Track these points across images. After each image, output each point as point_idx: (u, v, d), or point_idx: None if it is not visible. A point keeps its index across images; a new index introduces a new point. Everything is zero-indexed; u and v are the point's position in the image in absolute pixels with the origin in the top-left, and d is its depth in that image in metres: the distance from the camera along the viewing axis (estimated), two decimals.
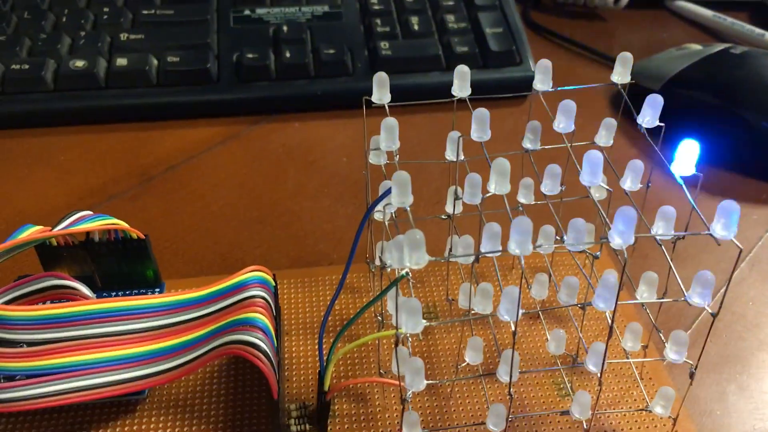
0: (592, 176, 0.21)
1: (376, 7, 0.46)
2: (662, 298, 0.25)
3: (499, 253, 0.23)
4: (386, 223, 0.28)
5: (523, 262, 0.19)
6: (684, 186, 0.22)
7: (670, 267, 0.22)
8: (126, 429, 0.26)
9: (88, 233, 0.29)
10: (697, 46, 0.43)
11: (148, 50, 0.43)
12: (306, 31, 0.45)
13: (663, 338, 0.24)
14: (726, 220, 0.19)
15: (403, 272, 0.20)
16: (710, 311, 0.21)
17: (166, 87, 0.42)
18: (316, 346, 0.29)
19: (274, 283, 0.27)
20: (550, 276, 0.28)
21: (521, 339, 0.29)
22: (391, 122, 0.24)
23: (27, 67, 0.41)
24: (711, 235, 0.20)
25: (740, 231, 0.34)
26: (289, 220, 0.36)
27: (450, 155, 0.27)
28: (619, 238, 0.19)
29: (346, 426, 0.26)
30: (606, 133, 0.26)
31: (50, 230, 0.27)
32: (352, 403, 0.27)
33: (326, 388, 0.25)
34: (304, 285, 0.32)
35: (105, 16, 0.45)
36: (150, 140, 0.41)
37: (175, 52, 0.43)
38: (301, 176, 0.39)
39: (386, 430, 0.26)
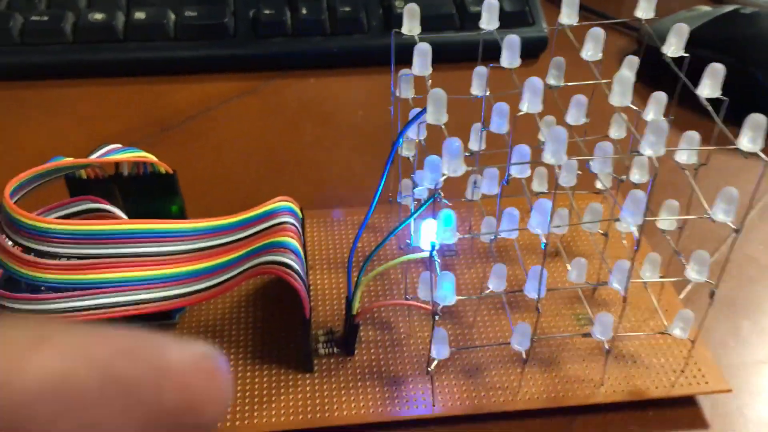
0: (623, 97, 0.22)
1: None
2: (682, 221, 0.26)
3: (528, 174, 0.24)
4: (412, 157, 0.29)
5: (557, 171, 0.20)
6: (710, 108, 0.22)
7: (693, 189, 0.23)
8: None
9: (117, 167, 0.29)
10: (707, 8, 0.44)
11: (166, 4, 0.43)
12: None
13: (684, 261, 0.25)
14: (753, 133, 0.20)
15: (439, 184, 0.21)
16: (733, 227, 0.22)
17: (184, 41, 0.43)
18: (340, 280, 0.30)
19: (300, 214, 0.28)
20: (571, 209, 0.29)
21: None
22: (424, 47, 0.25)
23: (46, 18, 0.42)
24: (738, 149, 0.21)
25: (750, 183, 0.35)
26: (308, 168, 0.37)
27: (476, 90, 0.27)
28: (650, 149, 0.20)
29: (372, 351, 0.27)
30: (629, 68, 0.26)
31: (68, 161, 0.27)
32: (377, 330, 0.28)
33: (355, 311, 0.26)
34: (326, 224, 0.32)
35: None
36: (167, 92, 0.42)
37: (193, 7, 0.43)
38: (318, 128, 0.40)
39: (411, 355, 0.27)
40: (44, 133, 0.38)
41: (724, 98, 0.22)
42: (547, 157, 0.20)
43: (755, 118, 0.20)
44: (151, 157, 0.29)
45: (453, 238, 0.22)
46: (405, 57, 0.27)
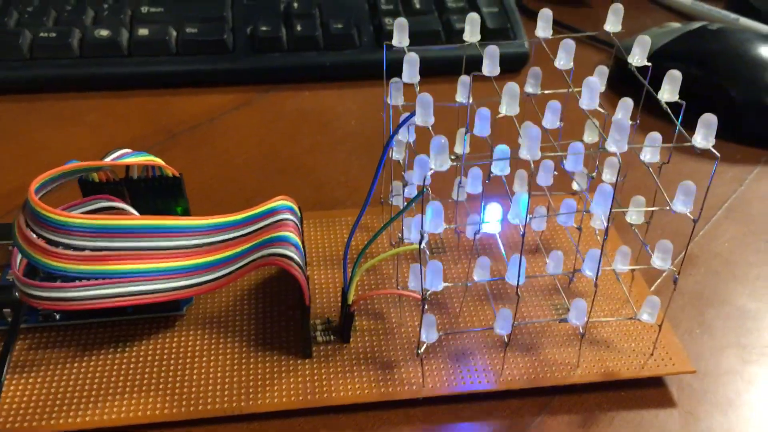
0: (591, 100, 0.24)
1: None
2: (649, 215, 0.28)
3: (508, 172, 0.26)
4: (402, 160, 0.31)
5: (532, 167, 0.22)
6: (669, 110, 0.25)
7: (657, 185, 0.25)
8: (166, 341, 0.29)
9: (127, 170, 0.32)
10: (677, 24, 0.46)
11: (168, 22, 0.46)
12: (315, 7, 0.48)
13: (650, 252, 0.27)
14: (706, 131, 0.23)
15: (427, 179, 0.23)
16: (692, 217, 0.24)
17: (185, 56, 0.45)
18: (336, 275, 0.32)
19: (299, 213, 0.30)
20: (549, 206, 0.31)
21: None
22: (413, 56, 0.27)
23: (54, 35, 0.44)
24: (693, 145, 0.23)
25: (717, 186, 0.38)
26: (306, 171, 0.39)
27: (461, 98, 0.30)
28: (615, 145, 0.22)
29: (366, 338, 0.29)
30: (599, 79, 0.29)
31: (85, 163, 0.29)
32: (371, 320, 0.30)
33: (350, 301, 0.28)
34: (323, 224, 0.35)
35: None
36: (170, 104, 0.44)
37: (193, 24, 0.46)
38: (315, 135, 0.42)
39: (402, 341, 0.29)
40: (56, 141, 0.40)
41: (682, 102, 0.25)
42: (523, 153, 0.23)
43: (707, 118, 0.23)
44: (159, 161, 0.32)
45: (440, 227, 0.24)
46: (395, 70, 0.29)
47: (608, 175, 0.30)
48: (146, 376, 0.28)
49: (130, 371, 0.28)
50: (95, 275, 0.26)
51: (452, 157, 0.32)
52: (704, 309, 0.32)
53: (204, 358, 0.29)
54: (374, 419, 0.27)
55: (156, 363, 0.28)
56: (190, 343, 0.29)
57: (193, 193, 0.37)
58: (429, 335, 0.26)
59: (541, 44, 0.29)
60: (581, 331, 0.27)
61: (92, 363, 0.28)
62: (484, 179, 0.29)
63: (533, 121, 0.30)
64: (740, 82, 0.41)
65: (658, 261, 0.26)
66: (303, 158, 0.40)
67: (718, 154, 0.23)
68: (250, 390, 0.27)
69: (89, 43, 0.44)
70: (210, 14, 0.47)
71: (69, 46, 0.44)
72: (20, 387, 0.27)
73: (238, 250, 0.28)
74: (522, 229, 0.24)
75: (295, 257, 0.27)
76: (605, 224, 0.24)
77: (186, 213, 0.33)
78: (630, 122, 0.26)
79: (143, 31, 0.45)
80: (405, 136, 0.29)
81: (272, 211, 0.29)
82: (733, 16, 0.52)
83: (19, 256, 0.27)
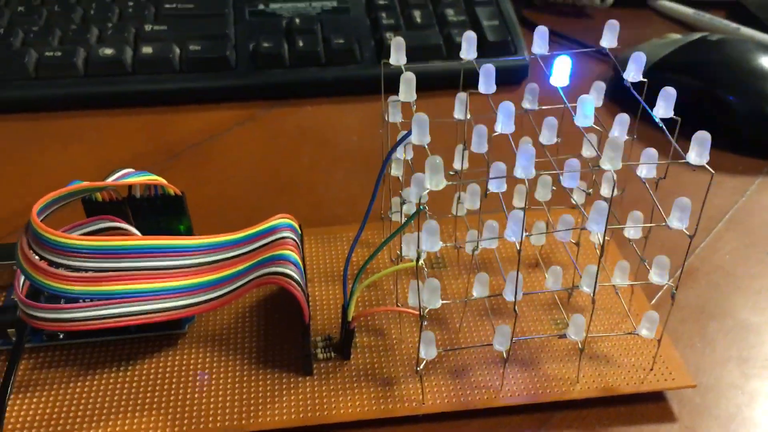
0: (585, 117, 0.24)
1: (381, 2, 0.50)
2: (647, 230, 0.28)
3: (504, 189, 0.26)
4: (401, 176, 0.31)
5: (527, 184, 0.23)
6: (663, 126, 0.25)
7: (654, 201, 0.25)
8: (168, 359, 0.29)
9: (130, 189, 0.32)
10: (676, 36, 0.46)
11: (171, 40, 0.46)
12: (317, 23, 0.48)
13: (648, 267, 0.27)
14: (700, 148, 0.23)
15: (423, 198, 0.23)
16: (688, 234, 0.24)
17: (188, 73, 0.45)
18: (336, 292, 0.32)
19: (299, 230, 0.31)
20: (547, 222, 0.31)
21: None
22: (409, 76, 0.28)
23: (59, 54, 0.45)
24: (687, 162, 0.23)
25: (718, 197, 0.38)
26: (307, 189, 0.39)
27: (458, 114, 0.30)
28: (609, 163, 0.23)
29: (366, 355, 0.29)
30: (597, 94, 0.29)
31: (87, 184, 0.30)
32: (371, 336, 0.30)
33: (350, 318, 0.28)
34: (324, 240, 0.35)
35: (130, 9, 0.48)
36: (174, 122, 0.44)
37: (197, 42, 0.46)
38: (315, 153, 0.42)
39: (402, 358, 0.29)
40: (60, 161, 0.41)
41: (677, 118, 0.25)
42: (518, 172, 0.23)
43: (700, 135, 0.23)
44: (162, 180, 0.32)
45: (436, 246, 0.24)
46: (395, 86, 0.29)
47: (606, 190, 0.30)
48: (149, 394, 0.28)
49: (133, 390, 0.28)
50: (97, 296, 0.26)
51: (452, 173, 0.32)
52: (705, 322, 0.32)
53: (210, 375, 0.29)
54: None
55: (158, 381, 0.29)
56: (191, 361, 0.29)
57: (195, 211, 0.38)
58: (428, 352, 0.27)
59: (538, 60, 0.29)
60: (580, 346, 0.27)
61: (96, 382, 0.29)
62: (481, 195, 0.30)
63: (531, 136, 0.30)
64: (741, 92, 0.41)
65: (655, 277, 0.26)
66: (303, 175, 0.41)
67: (713, 171, 0.23)
68: (251, 408, 0.28)
69: (94, 62, 0.45)
70: (213, 32, 0.47)
71: (74, 65, 0.44)
72: (24, 407, 0.28)
73: (239, 268, 0.28)
74: (518, 246, 0.24)
75: (295, 275, 0.27)
76: (600, 241, 0.24)
77: (189, 231, 0.33)
78: (627, 137, 0.27)
79: (147, 49, 0.45)
80: (402, 153, 0.29)
81: (272, 230, 0.29)
82: (734, 25, 0.52)
83: (22, 278, 0.27)
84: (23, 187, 0.39)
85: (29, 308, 0.26)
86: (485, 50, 0.47)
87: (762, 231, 0.37)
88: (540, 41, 0.29)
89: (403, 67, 0.29)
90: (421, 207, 0.24)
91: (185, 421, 0.27)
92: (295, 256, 0.28)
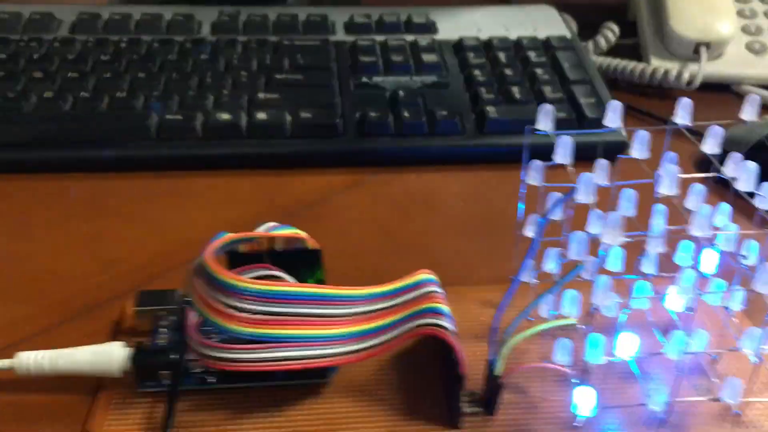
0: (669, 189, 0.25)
1: (480, 79, 0.52)
2: None
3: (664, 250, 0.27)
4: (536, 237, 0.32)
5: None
6: (748, 198, 0.26)
7: None
8: (313, 409, 0.30)
9: (272, 243, 0.33)
10: None
11: (283, 107, 0.48)
12: (419, 96, 0.50)
13: None
14: None
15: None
16: None
17: (300, 138, 0.47)
18: (476, 350, 0.33)
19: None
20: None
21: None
22: (566, 139, 0.29)
23: (180, 117, 0.47)
24: None
25: None
26: (421, 250, 0.40)
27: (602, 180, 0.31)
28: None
29: (510, 411, 0.30)
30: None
31: (239, 234, 0.31)
32: (513, 393, 0.30)
33: (499, 372, 0.29)
34: (451, 301, 0.35)
35: (243, 79, 0.51)
36: (286, 184, 0.46)
37: (307, 109, 0.48)
38: (425, 217, 0.43)
39: (547, 416, 0.29)
40: (181, 218, 0.42)
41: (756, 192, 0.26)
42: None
43: None
44: (303, 234, 0.33)
45: (608, 300, 0.25)
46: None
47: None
48: None
49: None
50: (264, 338, 0.27)
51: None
52: None
53: (353, 426, 0.29)
54: None
55: (307, 429, 0.29)
56: (335, 412, 0.30)
57: None
58: (584, 409, 0.27)
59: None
60: (736, 410, 0.27)
61: (246, 428, 0.29)
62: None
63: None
64: None
65: None
66: (417, 238, 0.42)
67: None
68: None
69: (212, 126, 0.47)
70: (321, 101, 0.49)
71: (193, 128, 0.46)
72: None
73: (392, 319, 0.29)
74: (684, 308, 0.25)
75: (451, 327, 0.28)
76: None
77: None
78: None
79: (261, 115, 0.47)
80: (549, 216, 0.30)
81: (420, 284, 0.30)
82: None
83: (194, 319, 0.28)
84: (147, 241, 0.40)
85: (206, 348, 0.27)
86: (584, 126, 0.49)
87: None
88: (612, 115, 0.30)
89: (551, 133, 0.31)
90: (581, 265, 0.25)
91: None
92: (447, 309, 0.29)
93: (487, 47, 0.56)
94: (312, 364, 0.28)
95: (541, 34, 0.58)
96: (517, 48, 0.56)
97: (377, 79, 0.53)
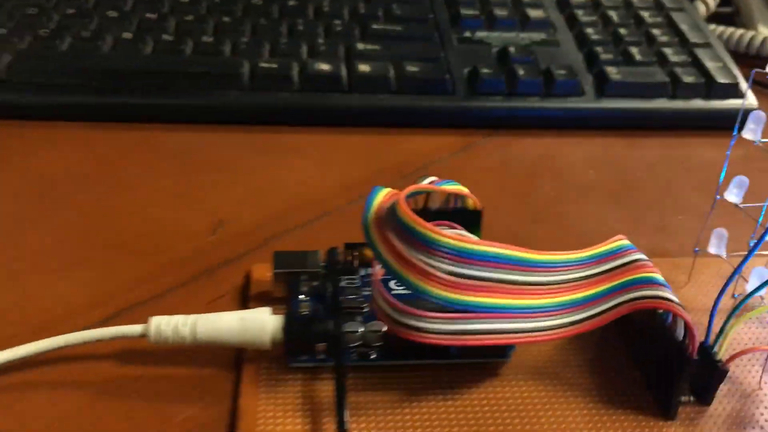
0: None
1: (595, 37, 0.48)
2: None
3: None
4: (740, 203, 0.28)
5: None
6: None
7: None
8: (495, 390, 0.26)
9: (426, 200, 0.29)
10: None
11: (385, 59, 0.44)
12: (533, 52, 0.46)
13: None
14: None
15: None
16: None
17: (406, 94, 0.43)
18: None
19: None
20: None
21: None
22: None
23: (275, 66, 0.42)
24: None
25: None
26: (561, 219, 0.36)
27: None
28: None
29: (727, 401, 0.25)
30: None
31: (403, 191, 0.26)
32: (727, 382, 0.26)
33: (721, 357, 0.25)
34: None
35: (338, 28, 0.46)
36: (393, 143, 0.41)
37: (412, 63, 0.44)
38: (555, 184, 0.39)
39: None
40: (287, 176, 0.38)
41: None
42: None
43: None
44: (466, 191, 0.29)
45: None
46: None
47: None
48: (487, 426, 0.24)
49: (462, 421, 0.24)
50: (465, 306, 0.23)
51: None
52: None
53: (547, 411, 0.25)
54: None
55: (492, 412, 0.25)
56: (524, 395, 0.25)
57: None
58: None
59: None
60: None
61: (421, 409, 0.25)
62: None
63: None
64: None
65: None
66: (551, 205, 0.37)
67: None
68: None
69: (310, 76, 0.42)
70: (426, 54, 0.45)
71: (290, 78, 0.42)
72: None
73: (601, 289, 0.25)
74: None
75: (676, 300, 0.24)
76: None
77: None
78: None
79: (364, 68, 0.43)
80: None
81: (621, 251, 0.26)
82: None
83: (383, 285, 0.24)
84: (257, 200, 0.36)
85: (399, 314, 0.22)
86: (713, 92, 0.45)
87: None
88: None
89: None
90: None
91: None
92: (663, 279, 0.25)
93: (595, 5, 0.51)
94: (514, 340, 0.24)
95: None
96: (628, 6, 0.51)
97: (480, 34, 0.48)
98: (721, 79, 0.45)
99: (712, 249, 0.29)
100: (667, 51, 0.47)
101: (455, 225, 0.26)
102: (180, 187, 0.36)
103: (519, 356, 0.27)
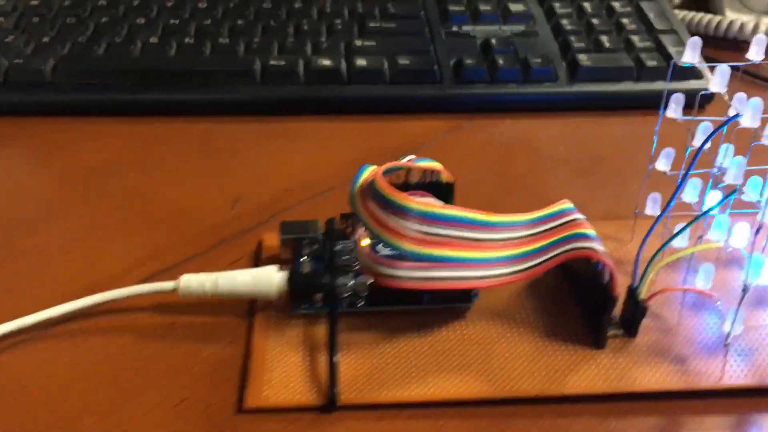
0: None
1: (569, 28, 0.53)
2: None
3: None
4: (668, 172, 0.34)
5: None
6: None
7: None
8: (463, 329, 0.31)
9: (407, 175, 0.34)
10: None
11: (380, 54, 0.49)
12: (511, 44, 0.51)
13: None
14: None
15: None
16: None
17: (399, 85, 0.48)
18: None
19: None
20: None
21: None
22: (724, 68, 0.30)
23: (283, 63, 0.48)
24: None
25: None
26: (532, 190, 0.42)
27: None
28: None
29: (650, 334, 0.31)
30: None
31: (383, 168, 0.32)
32: (650, 318, 0.31)
33: (642, 296, 0.30)
34: None
35: (339, 26, 0.52)
36: (389, 128, 0.47)
37: (404, 56, 0.49)
38: (529, 159, 0.45)
39: (687, 338, 0.31)
40: (296, 159, 0.44)
41: None
42: None
43: None
44: (439, 166, 0.34)
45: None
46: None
47: None
48: (454, 358, 0.30)
49: (436, 353, 0.30)
50: (426, 258, 0.29)
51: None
52: None
53: (502, 345, 0.31)
54: (676, 408, 0.29)
55: (458, 347, 0.31)
56: (484, 332, 0.31)
57: None
58: (737, 327, 0.28)
59: None
60: None
61: (400, 346, 0.31)
62: None
63: None
64: None
65: None
66: (524, 178, 0.43)
67: None
68: (554, 374, 0.29)
69: (313, 71, 0.48)
70: (416, 47, 0.50)
71: (296, 74, 0.48)
72: (343, 365, 0.30)
73: (542, 243, 0.30)
74: None
75: (603, 249, 0.29)
76: None
77: None
78: None
79: (361, 62, 0.48)
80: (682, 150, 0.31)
81: (563, 212, 0.32)
82: None
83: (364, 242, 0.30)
84: (269, 180, 0.42)
85: (376, 264, 0.28)
86: (674, 74, 0.50)
87: None
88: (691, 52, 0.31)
89: (696, 66, 0.31)
90: (737, 189, 0.26)
91: (496, 383, 0.29)
92: (594, 233, 0.30)
93: None
94: (472, 285, 0.29)
95: None
96: None
97: (467, 28, 0.53)
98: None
99: (647, 210, 0.35)
100: (634, 38, 0.52)
101: (426, 193, 0.32)
102: (204, 170, 0.42)
103: (481, 302, 0.32)
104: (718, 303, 0.30)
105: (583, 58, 0.50)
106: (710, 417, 0.28)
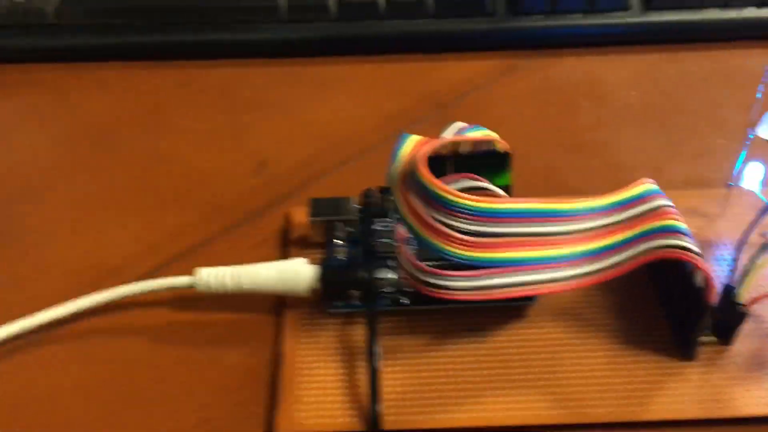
0: None
1: None
2: None
3: None
4: None
5: None
6: None
7: None
8: (522, 333, 0.27)
9: (458, 146, 0.29)
10: None
11: None
12: None
13: None
14: None
15: None
16: None
17: (443, 18, 0.42)
18: None
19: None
20: None
21: None
22: None
23: None
24: None
25: None
26: (599, 149, 0.36)
27: None
28: None
29: (748, 342, 0.26)
30: None
31: (432, 140, 0.27)
32: (749, 322, 0.27)
33: (742, 299, 0.25)
34: None
35: None
36: (433, 70, 0.41)
37: None
38: (595, 109, 0.39)
39: None
40: (327, 110, 0.38)
41: None
42: None
43: None
44: (495, 135, 0.29)
45: None
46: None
47: None
48: (514, 370, 0.26)
49: (494, 364, 0.26)
50: (481, 263, 0.24)
51: None
52: None
53: (570, 354, 0.26)
54: None
55: (519, 355, 0.26)
56: (548, 337, 0.27)
57: None
58: None
59: None
60: None
61: (451, 354, 0.26)
62: None
63: None
64: None
65: None
66: (589, 133, 0.37)
67: None
68: (631, 394, 0.25)
69: (346, 4, 0.42)
70: None
71: (326, 8, 0.42)
72: (388, 373, 0.26)
73: (622, 237, 0.25)
74: None
75: (696, 250, 0.24)
76: None
77: (508, 191, 0.31)
78: None
79: None
80: None
81: (646, 196, 0.26)
82: None
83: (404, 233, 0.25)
84: (299, 137, 0.37)
85: (421, 273, 0.24)
86: None
87: None
88: None
89: None
90: None
91: (564, 404, 0.25)
92: (686, 227, 0.25)
93: None
94: (541, 291, 0.25)
95: None
96: None
97: None
98: None
99: (745, 184, 0.29)
100: None
101: (478, 177, 0.26)
102: (223, 128, 0.37)
103: (545, 298, 0.28)
104: None
105: None
106: None
